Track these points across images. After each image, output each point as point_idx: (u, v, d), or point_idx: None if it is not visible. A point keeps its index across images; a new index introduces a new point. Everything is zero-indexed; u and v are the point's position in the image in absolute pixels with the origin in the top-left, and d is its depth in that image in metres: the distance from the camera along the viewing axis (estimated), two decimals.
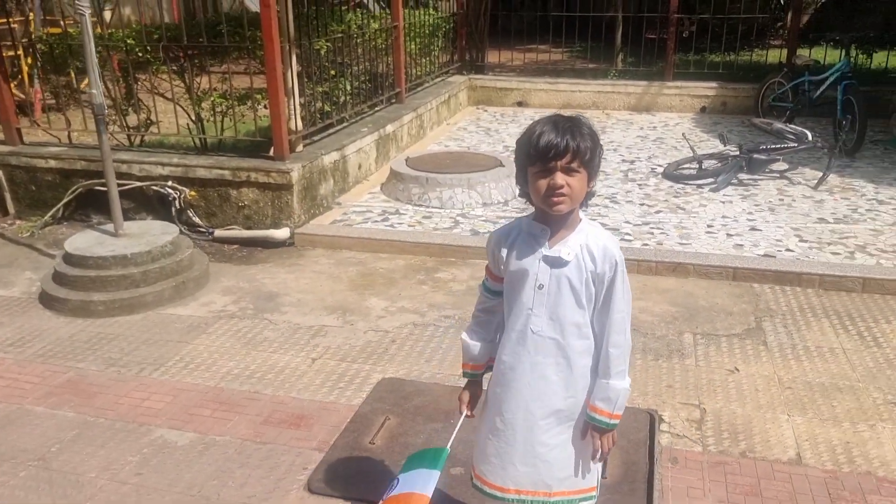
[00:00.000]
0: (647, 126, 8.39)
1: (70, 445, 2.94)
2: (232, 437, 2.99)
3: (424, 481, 2.06)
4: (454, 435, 2.13)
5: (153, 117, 5.69)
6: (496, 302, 2.06)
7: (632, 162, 6.86)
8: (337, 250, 4.96)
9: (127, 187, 5.12)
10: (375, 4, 9.18)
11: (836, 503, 2.59)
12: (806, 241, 4.84)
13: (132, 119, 5.86)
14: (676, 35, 9.20)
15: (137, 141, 5.80)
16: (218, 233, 5.15)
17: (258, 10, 6.11)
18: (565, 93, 9.36)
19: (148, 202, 5.27)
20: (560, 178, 1.78)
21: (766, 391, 3.29)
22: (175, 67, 5.43)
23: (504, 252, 1.95)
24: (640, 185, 6.15)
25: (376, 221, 5.28)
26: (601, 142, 1.87)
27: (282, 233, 5.04)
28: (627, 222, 5.24)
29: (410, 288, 4.40)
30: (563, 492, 2.03)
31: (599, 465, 2.09)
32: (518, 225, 1.97)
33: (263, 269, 4.71)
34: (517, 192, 1.98)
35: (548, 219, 1.88)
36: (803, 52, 9.03)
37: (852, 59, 7.52)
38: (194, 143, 5.73)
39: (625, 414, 3.11)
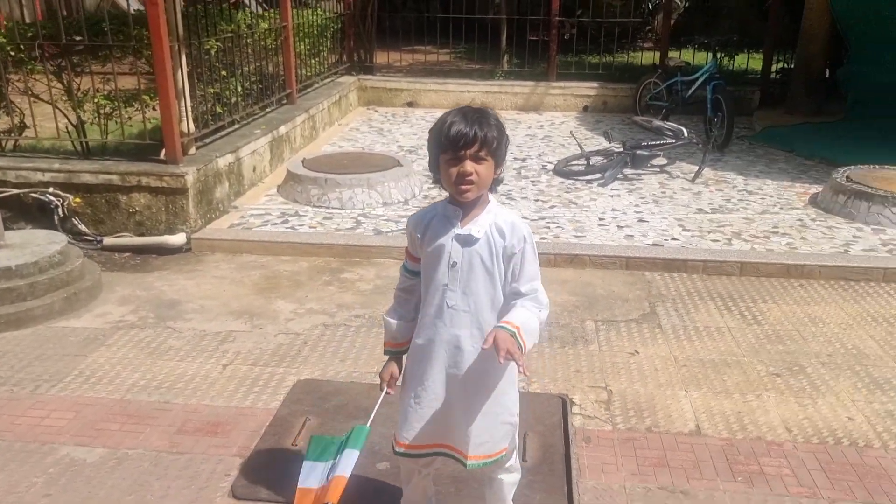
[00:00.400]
0: (534, 125, 8.69)
1: None
2: (145, 449, 2.88)
3: (345, 462, 2.10)
4: (374, 412, 2.21)
5: (27, 120, 5.34)
6: (415, 282, 2.18)
7: (523, 160, 7.09)
8: (237, 254, 4.85)
9: (2, 195, 4.79)
10: (257, 4, 8.99)
11: (734, 467, 2.82)
12: (688, 231, 5.20)
13: (2, 122, 5.48)
14: (559, 37, 9.57)
15: (10, 145, 5.43)
16: (107, 241, 4.91)
17: (132, 9, 5.87)
18: (454, 93, 9.52)
19: (26, 211, 4.95)
20: (469, 165, 1.92)
21: (665, 370, 3.52)
22: (52, 67, 5.12)
23: (420, 234, 2.09)
24: (532, 181, 6.37)
25: (276, 224, 5.20)
26: (506, 132, 2.01)
27: (177, 238, 4.87)
28: (524, 217, 5.33)
29: (317, 289, 4.37)
30: (477, 456, 2.14)
31: (516, 429, 2.21)
32: (434, 208, 2.11)
33: (161, 277, 4.53)
34: (431, 178, 2.12)
35: (460, 201, 2.02)
36: (672, 55, 9.63)
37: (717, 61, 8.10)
38: (74, 146, 5.43)
39: (539, 399, 3.26)
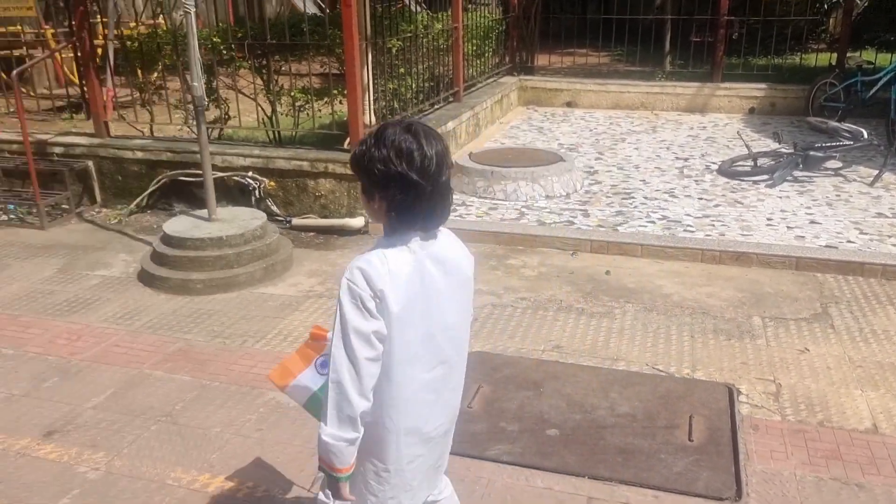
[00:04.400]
0: (696, 126, 8.54)
1: (192, 405, 3.21)
2: None
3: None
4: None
5: (230, 112, 6.00)
6: None
7: (685, 159, 7.02)
8: None
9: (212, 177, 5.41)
10: (416, 6, 9.43)
11: None
12: (866, 234, 4.97)
13: (210, 114, 6.17)
14: (726, 38, 9.33)
15: (215, 134, 6.11)
16: (295, 221, 5.42)
17: (307, 12, 6.37)
18: (614, 94, 9.52)
19: (228, 191, 5.56)
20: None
21: (838, 369, 3.45)
22: (254, 64, 5.72)
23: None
24: (696, 181, 6.31)
25: None
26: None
27: (357, 221, 5.30)
28: (688, 215, 5.41)
29: (484, 273, 4.62)
30: None
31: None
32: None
33: (343, 255, 4.96)
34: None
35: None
36: (850, 55, 9.11)
37: None
38: (268, 136, 6.02)
39: (704, 386, 3.32)
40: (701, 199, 5.81)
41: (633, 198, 5.83)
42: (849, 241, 4.85)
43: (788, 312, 4.04)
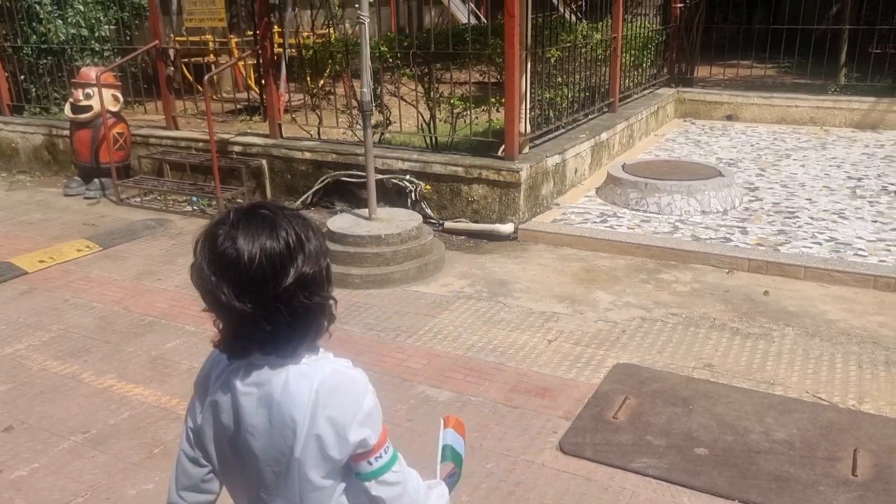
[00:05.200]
0: (872, 144, 7.94)
1: None
2: (485, 398, 3.33)
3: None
4: None
5: (391, 117, 6.28)
6: None
7: (859, 179, 6.56)
8: (558, 247, 5.22)
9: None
10: (573, 16, 9.38)
11: None
12: None
13: (372, 118, 6.49)
14: None
15: (376, 138, 6.41)
16: (448, 224, 5.59)
17: (465, 22, 6.55)
18: (780, 108, 9.05)
19: (386, 193, 5.83)
20: None
21: None
22: (418, 72, 5.97)
23: None
24: (870, 202, 5.88)
25: (595, 222, 5.49)
26: None
27: (507, 228, 5.39)
28: (860, 238, 5.06)
29: (634, 286, 4.56)
30: None
31: None
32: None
33: (491, 259, 5.07)
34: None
35: None
36: None
37: None
38: (425, 141, 6.25)
39: (872, 420, 3.11)
40: (875, 221, 5.41)
41: (797, 217, 5.53)
42: None
43: None
